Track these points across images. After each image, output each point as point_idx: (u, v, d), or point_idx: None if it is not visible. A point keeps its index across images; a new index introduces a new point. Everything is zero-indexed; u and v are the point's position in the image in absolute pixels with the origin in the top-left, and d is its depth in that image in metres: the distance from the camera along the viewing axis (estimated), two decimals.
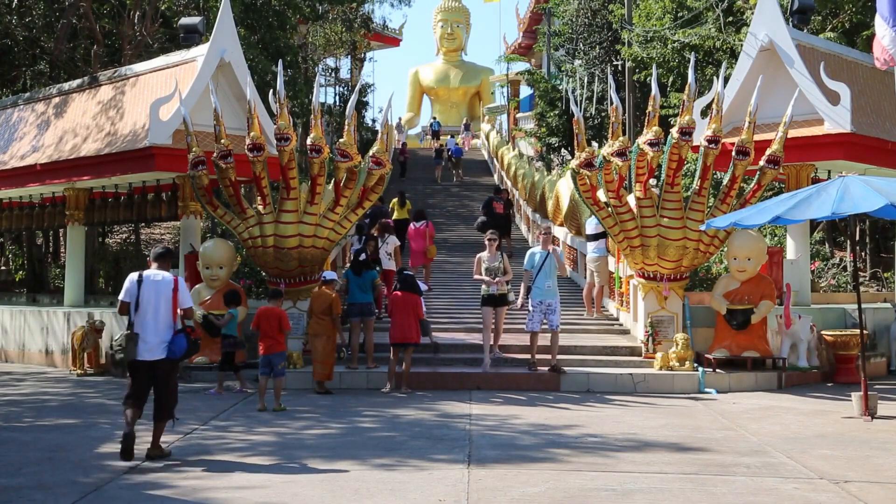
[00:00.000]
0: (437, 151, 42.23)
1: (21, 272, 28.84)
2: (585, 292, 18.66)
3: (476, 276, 15.16)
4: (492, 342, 15.04)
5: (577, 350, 15.65)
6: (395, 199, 25.06)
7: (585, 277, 19.10)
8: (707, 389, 14.17)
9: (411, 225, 21.28)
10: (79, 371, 17.13)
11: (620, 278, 17.53)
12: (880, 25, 13.54)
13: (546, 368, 14.57)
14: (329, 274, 14.90)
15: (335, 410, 12.50)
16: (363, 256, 16.07)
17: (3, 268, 30.00)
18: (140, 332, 9.35)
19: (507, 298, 15.00)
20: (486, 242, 15.19)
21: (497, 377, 14.58)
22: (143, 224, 28.51)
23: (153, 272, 9.62)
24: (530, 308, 14.61)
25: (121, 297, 9.54)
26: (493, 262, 14.93)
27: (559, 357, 14.67)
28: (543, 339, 14.84)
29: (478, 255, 15.20)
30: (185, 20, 19.38)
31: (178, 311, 9.52)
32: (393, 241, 18.32)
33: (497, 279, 14.84)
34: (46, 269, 27.10)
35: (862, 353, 12.51)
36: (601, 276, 18.27)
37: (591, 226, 18.41)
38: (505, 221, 25.81)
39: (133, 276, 9.56)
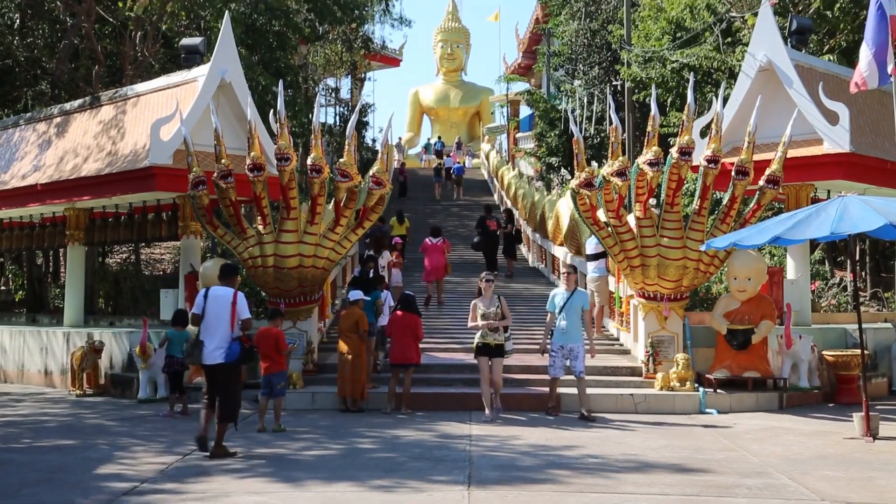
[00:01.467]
0: (437, 170, 42.67)
1: (21, 292, 28.81)
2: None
3: (471, 324, 13.70)
4: (492, 397, 13.55)
5: None
6: (393, 217, 26.11)
7: None
8: (708, 410, 14.14)
9: (427, 240, 22.20)
10: (78, 392, 17.09)
11: (621, 298, 17.52)
12: (864, 52, 13.69)
13: (574, 415, 13.58)
14: (354, 294, 14.87)
15: (335, 431, 12.46)
16: (371, 274, 16.22)
17: (2, 288, 29.98)
18: (204, 340, 10.69)
19: (504, 348, 13.57)
20: (482, 285, 13.74)
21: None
22: (143, 244, 28.51)
23: (218, 287, 10.98)
24: (551, 352, 13.75)
25: (192, 309, 11.09)
26: (490, 307, 13.54)
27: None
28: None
29: (473, 301, 13.75)
30: (186, 41, 19.46)
31: (237, 321, 10.71)
32: (386, 256, 19.78)
33: (494, 323, 13.43)
34: (46, 289, 27.08)
35: (863, 373, 12.48)
36: (601, 296, 18.26)
37: (590, 246, 18.41)
38: (506, 241, 26.11)
39: (202, 290, 11.05)
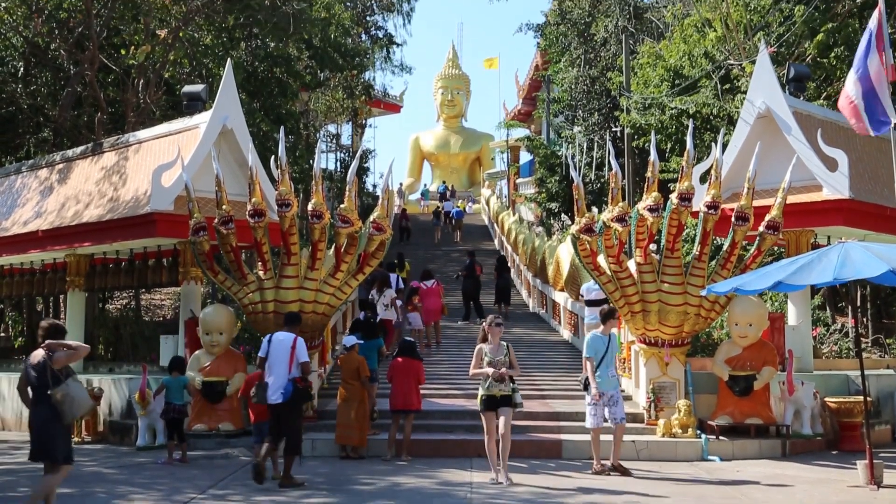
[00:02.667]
0: (436, 213, 43.06)
1: (20, 339, 28.73)
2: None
3: (473, 372, 12.43)
4: (499, 460, 12.14)
5: (579, 416, 15.49)
6: (394, 261, 26.53)
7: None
8: (710, 457, 14.04)
9: (422, 284, 22.71)
10: (76, 439, 16.95)
11: (621, 344, 17.46)
12: (857, 94, 13.81)
13: (609, 466, 12.88)
14: (348, 339, 14.87)
15: (334, 479, 12.37)
16: (374, 318, 16.33)
17: (2, 334, 29.89)
18: (267, 381, 11.99)
19: (513, 400, 12.24)
20: (490, 330, 12.41)
21: None
22: (143, 290, 28.48)
23: (280, 332, 12.43)
24: (589, 402, 12.95)
25: (260, 353, 12.34)
26: (498, 356, 12.26)
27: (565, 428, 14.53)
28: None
29: (478, 346, 12.45)
30: (188, 88, 19.58)
31: (295, 363, 12.02)
32: (390, 294, 20.31)
33: (503, 371, 12.16)
34: None
35: (866, 420, 12.41)
36: None
37: (589, 291, 18.50)
38: (499, 286, 26.41)
39: (266, 336, 12.54)
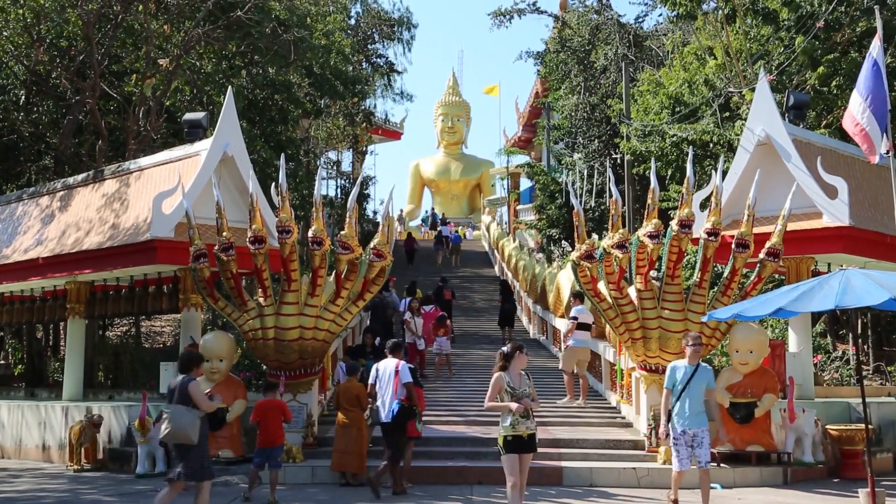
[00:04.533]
0: (437, 238, 43.89)
1: (20, 366, 28.69)
2: (568, 379, 19.04)
3: (490, 405, 10.58)
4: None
5: (579, 444, 15.49)
6: (407, 286, 26.85)
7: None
8: (712, 484, 13.93)
9: (422, 308, 23.32)
10: (76, 467, 16.92)
11: (622, 370, 17.44)
12: (867, 119, 13.84)
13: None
14: (343, 375, 15.02)
15: None
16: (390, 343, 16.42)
17: (1, 362, 29.83)
18: (378, 405, 13.48)
19: (535, 441, 10.67)
20: (517, 358, 10.65)
21: (498, 471, 14.35)
22: (143, 316, 28.47)
23: (386, 361, 13.77)
24: (673, 440, 11.70)
25: (370, 381, 13.86)
26: (521, 388, 10.48)
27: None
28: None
29: (496, 375, 10.55)
30: (189, 115, 19.65)
31: (399, 385, 13.36)
32: (420, 322, 22.47)
33: (529, 402, 10.48)
34: (46, 363, 26.97)
35: (867, 448, 12.35)
36: (581, 368, 18.84)
37: (582, 314, 18.99)
38: (503, 312, 26.46)
39: (375, 365, 14.01)
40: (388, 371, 13.62)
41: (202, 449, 10.15)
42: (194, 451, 10.05)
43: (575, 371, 18.85)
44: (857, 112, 14.24)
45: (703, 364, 11.94)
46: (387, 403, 13.40)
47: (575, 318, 19.09)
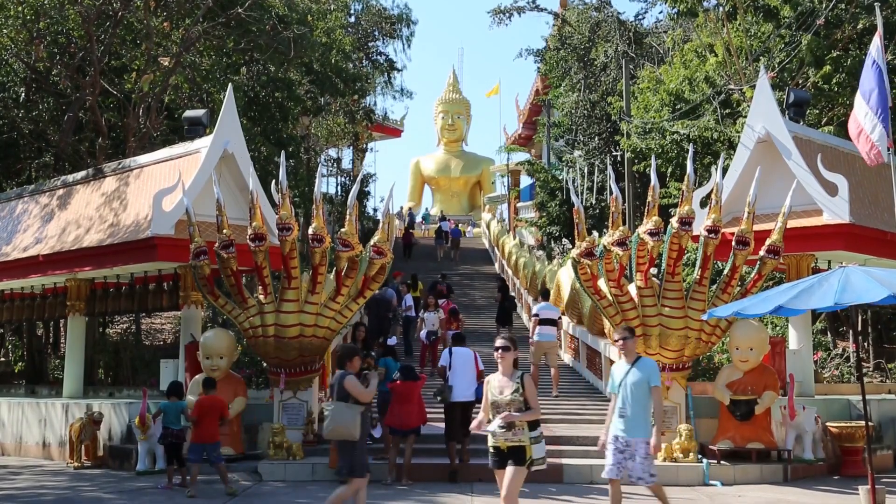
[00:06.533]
0: (438, 233, 44.20)
1: (20, 363, 28.70)
2: (533, 371, 19.73)
3: (473, 427, 9.59)
4: None
5: (580, 441, 15.48)
6: (408, 281, 27.29)
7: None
8: (712, 482, 13.98)
9: (438, 302, 23.59)
10: (76, 464, 16.93)
11: None
12: (868, 120, 13.80)
13: None
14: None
15: None
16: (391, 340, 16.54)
17: (2, 359, 29.84)
18: (453, 385, 14.32)
19: (528, 455, 8.88)
20: (497, 357, 9.21)
21: None
22: (143, 314, 28.47)
23: (458, 348, 14.92)
24: (607, 444, 10.10)
25: (440, 362, 15.03)
26: (505, 391, 8.94)
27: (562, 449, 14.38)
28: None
29: (486, 379, 9.37)
30: (189, 113, 19.65)
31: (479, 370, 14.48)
32: (408, 300, 24.00)
33: (507, 416, 8.83)
34: (46, 360, 26.98)
35: (868, 445, 12.35)
36: (551, 360, 19.78)
37: (543, 311, 20.16)
38: (501, 308, 26.68)
39: (446, 350, 15.21)
40: (463, 358, 14.62)
41: (362, 445, 10.03)
42: (356, 447, 9.94)
43: (543, 362, 20.04)
44: (860, 115, 14.20)
45: (644, 358, 10.28)
46: (464, 385, 14.30)
47: (536, 315, 20.29)
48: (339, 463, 10.22)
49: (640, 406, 9.78)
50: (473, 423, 9.47)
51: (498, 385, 8.99)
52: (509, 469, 8.76)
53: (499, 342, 9.22)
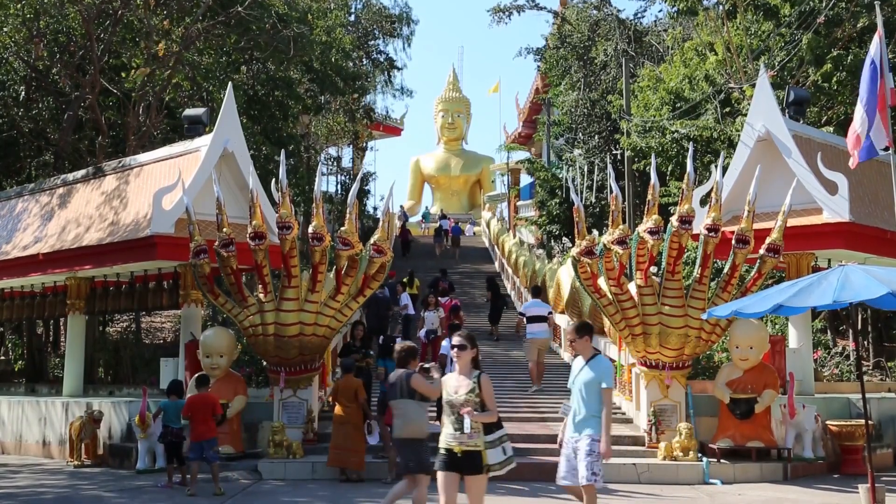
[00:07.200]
0: (437, 231, 44.39)
1: (20, 362, 28.69)
2: (532, 367, 19.89)
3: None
4: None
5: None
6: (405, 278, 27.45)
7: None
8: (712, 480, 13.99)
9: (439, 300, 23.63)
10: (76, 462, 16.93)
11: (622, 366, 17.43)
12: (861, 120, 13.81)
13: None
14: (342, 363, 15.04)
15: (335, 503, 12.31)
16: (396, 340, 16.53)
17: (1, 357, 29.83)
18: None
19: (485, 461, 8.42)
20: (454, 356, 8.82)
21: None
22: (143, 313, 28.47)
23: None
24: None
25: (441, 351, 14.99)
26: (458, 392, 8.46)
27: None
28: None
29: (443, 378, 9.03)
30: (189, 111, 19.64)
31: None
32: (404, 299, 23.96)
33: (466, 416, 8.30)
34: (46, 358, 26.98)
35: (868, 444, 12.34)
36: (540, 355, 19.82)
37: (531, 308, 20.30)
38: (492, 307, 26.76)
39: (446, 340, 14.63)
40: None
41: (426, 442, 10.01)
42: (423, 444, 9.91)
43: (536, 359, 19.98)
44: (856, 119, 14.18)
45: (600, 357, 9.53)
46: None
47: (522, 314, 20.70)
48: (403, 460, 10.01)
49: (591, 406, 9.19)
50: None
51: (454, 384, 8.55)
52: (469, 480, 8.30)
53: (455, 340, 8.76)
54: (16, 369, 28.40)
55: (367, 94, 44.43)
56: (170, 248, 17.20)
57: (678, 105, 26.20)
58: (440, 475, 8.32)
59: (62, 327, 28.04)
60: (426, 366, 10.64)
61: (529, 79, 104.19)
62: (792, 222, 15.71)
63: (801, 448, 15.01)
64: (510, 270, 35.87)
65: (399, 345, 10.48)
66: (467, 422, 8.16)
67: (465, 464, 8.24)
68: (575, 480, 9.14)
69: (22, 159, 29.08)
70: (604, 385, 9.14)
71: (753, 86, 19.53)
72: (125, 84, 25.41)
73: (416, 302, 25.20)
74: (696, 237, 15.56)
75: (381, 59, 44.83)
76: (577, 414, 9.25)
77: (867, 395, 12.81)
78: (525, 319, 20.27)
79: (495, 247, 43.94)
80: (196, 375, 14.57)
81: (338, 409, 14.23)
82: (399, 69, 46.05)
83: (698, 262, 15.15)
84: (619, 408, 17.77)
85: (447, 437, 8.33)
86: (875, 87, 13.84)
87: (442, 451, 8.35)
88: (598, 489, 9.14)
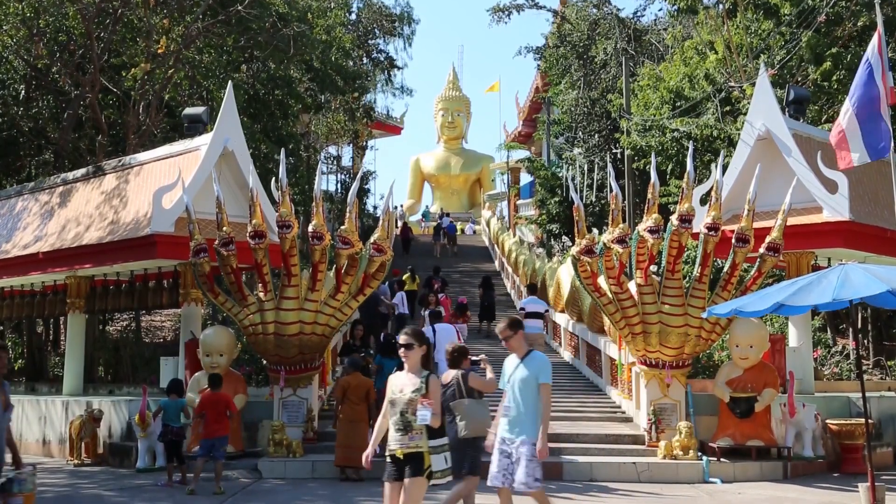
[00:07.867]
0: (436, 229, 45.68)
1: (20, 361, 28.68)
2: None
3: (377, 427, 8.53)
4: None
5: (579, 438, 15.49)
6: (407, 274, 27.80)
7: None
8: (712, 479, 13.99)
9: (438, 297, 23.75)
10: (76, 461, 16.93)
11: (622, 365, 17.43)
12: (850, 124, 13.80)
13: None
14: (350, 361, 15.02)
15: (335, 501, 12.32)
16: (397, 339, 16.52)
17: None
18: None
19: (423, 464, 7.87)
20: (402, 356, 8.20)
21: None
22: (143, 311, 28.47)
23: (440, 324, 15.87)
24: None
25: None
26: (403, 391, 7.96)
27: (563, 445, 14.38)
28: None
29: (390, 378, 8.40)
30: (188, 110, 19.64)
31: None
32: (399, 297, 23.82)
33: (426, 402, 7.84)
34: (46, 357, 26.97)
35: (867, 442, 12.35)
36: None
37: (529, 304, 20.79)
38: (484, 305, 26.91)
39: (427, 327, 15.35)
40: (446, 331, 15.51)
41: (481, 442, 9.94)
42: (480, 445, 9.79)
43: None
44: (841, 116, 14.18)
45: (535, 353, 9.29)
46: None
47: (522, 309, 20.85)
48: (460, 460, 9.24)
49: (528, 405, 8.95)
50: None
51: (399, 383, 8.01)
52: (408, 483, 7.73)
53: (401, 339, 8.14)
54: (16, 368, 28.38)
55: (368, 93, 44.46)
56: (170, 247, 17.20)
57: (678, 104, 26.20)
58: (386, 486, 7.97)
59: (62, 326, 28.04)
60: (475, 359, 10.67)
61: (529, 77, 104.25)
62: (792, 221, 15.71)
63: (800, 447, 15.01)
64: (510, 269, 35.88)
65: (450, 345, 10.47)
66: (427, 412, 7.66)
67: (407, 466, 7.79)
68: (507, 483, 8.98)
69: (22, 158, 29.06)
70: (541, 381, 8.96)
71: (753, 84, 19.52)
72: (125, 83, 25.41)
73: (415, 298, 25.22)
74: (696, 236, 15.56)
75: (382, 59, 44.84)
76: (511, 413, 9.05)
77: (867, 394, 12.80)
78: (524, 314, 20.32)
79: (495, 246, 43.96)
80: (210, 375, 14.59)
81: (346, 408, 14.18)
82: (399, 68, 46.15)
83: (698, 261, 15.14)
84: (619, 406, 17.79)
85: (389, 440, 7.94)
86: (869, 88, 13.82)
87: (388, 459, 7.94)
88: (542, 491, 9.06)
